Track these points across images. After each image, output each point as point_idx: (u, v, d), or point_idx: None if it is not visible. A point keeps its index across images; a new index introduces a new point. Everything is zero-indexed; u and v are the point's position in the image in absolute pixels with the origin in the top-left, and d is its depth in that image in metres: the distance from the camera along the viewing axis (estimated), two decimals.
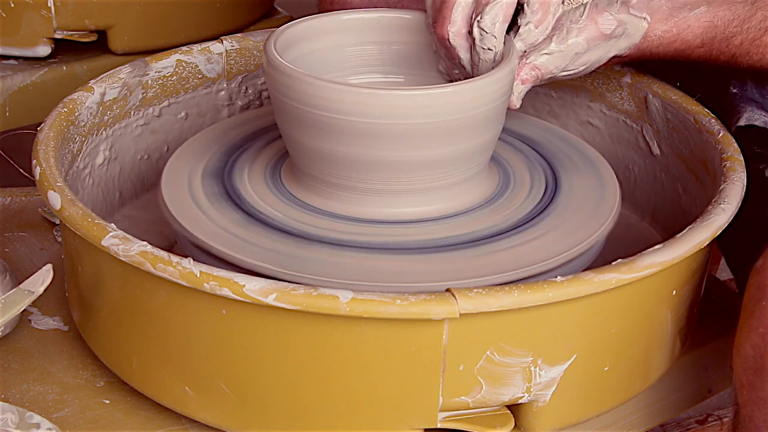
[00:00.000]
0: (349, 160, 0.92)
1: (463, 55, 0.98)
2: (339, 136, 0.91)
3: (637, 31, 1.00)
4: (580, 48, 0.98)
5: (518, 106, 0.98)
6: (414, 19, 1.06)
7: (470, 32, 0.97)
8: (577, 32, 0.97)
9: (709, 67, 1.09)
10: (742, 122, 1.05)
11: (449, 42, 0.98)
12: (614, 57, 1.01)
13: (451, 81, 1.03)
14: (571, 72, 1.00)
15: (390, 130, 0.90)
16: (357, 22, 1.06)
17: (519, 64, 0.97)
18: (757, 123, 1.05)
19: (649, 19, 1.00)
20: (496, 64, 0.96)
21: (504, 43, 0.96)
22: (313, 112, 0.91)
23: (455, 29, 0.97)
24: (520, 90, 0.98)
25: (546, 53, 0.97)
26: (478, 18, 0.95)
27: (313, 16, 1.05)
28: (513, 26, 0.98)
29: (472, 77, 0.97)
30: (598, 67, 1.02)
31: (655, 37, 1.01)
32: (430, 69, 1.06)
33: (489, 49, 0.95)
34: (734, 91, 1.07)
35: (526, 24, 0.97)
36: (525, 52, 0.98)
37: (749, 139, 1.05)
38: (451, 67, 1.02)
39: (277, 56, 0.94)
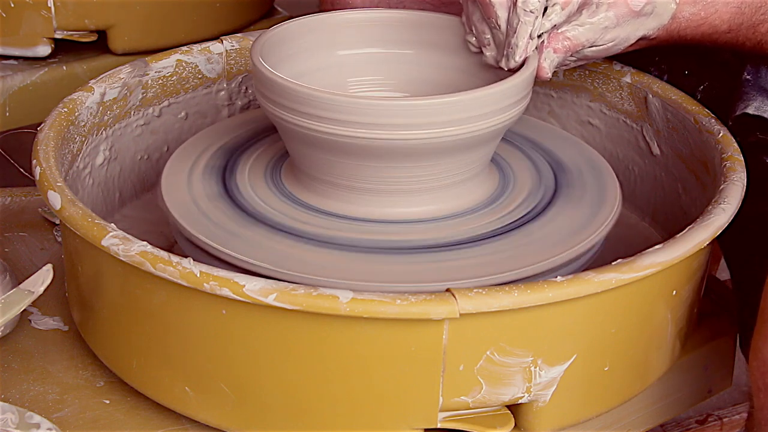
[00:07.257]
0: (345, 143, 0.91)
1: (501, 13, 0.97)
2: (332, 112, 0.90)
3: (665, 11, 1.00)
4: (609, 22, 0.98)
5: (549, 76, 0.98)
6: (419, 18, 1.06)
7: None
8: (607, 7, 0.98)
9: (721, 57, 1.09)
10: (750, 110, 1.05)
11: None
12: (642, 39, 1.02)
13: (480, 51, 1.02)
14: (600, 48, 1.00)
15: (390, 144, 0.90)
16: (356, 22, 1.06)
17: (550, 35, 0.97)
18: (765, 116, 1.05)
19: None
20: (533, 29, 0.95)
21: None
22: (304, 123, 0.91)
23: None
24: (552, 58, 0.97)
25: (577, 24, 0.98)
26: None
27: (307, 15, 1.05)
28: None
29: (504, 42, 0.97)
30: (626, 48, 1.02)
31: (683, 18, 1.01)
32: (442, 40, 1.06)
33: (531, 12, 0.95)
34: (747, 77, 1.08)
35: (553, 5, 0.97)
36: (555, 26, 0.97)
37: (751, 124, 1.05)
38: (483, 31, 1.00)
39: (262, 61, 0.94)
